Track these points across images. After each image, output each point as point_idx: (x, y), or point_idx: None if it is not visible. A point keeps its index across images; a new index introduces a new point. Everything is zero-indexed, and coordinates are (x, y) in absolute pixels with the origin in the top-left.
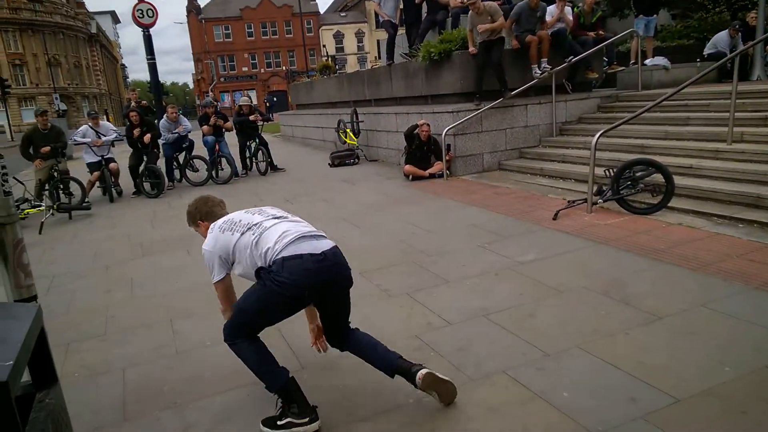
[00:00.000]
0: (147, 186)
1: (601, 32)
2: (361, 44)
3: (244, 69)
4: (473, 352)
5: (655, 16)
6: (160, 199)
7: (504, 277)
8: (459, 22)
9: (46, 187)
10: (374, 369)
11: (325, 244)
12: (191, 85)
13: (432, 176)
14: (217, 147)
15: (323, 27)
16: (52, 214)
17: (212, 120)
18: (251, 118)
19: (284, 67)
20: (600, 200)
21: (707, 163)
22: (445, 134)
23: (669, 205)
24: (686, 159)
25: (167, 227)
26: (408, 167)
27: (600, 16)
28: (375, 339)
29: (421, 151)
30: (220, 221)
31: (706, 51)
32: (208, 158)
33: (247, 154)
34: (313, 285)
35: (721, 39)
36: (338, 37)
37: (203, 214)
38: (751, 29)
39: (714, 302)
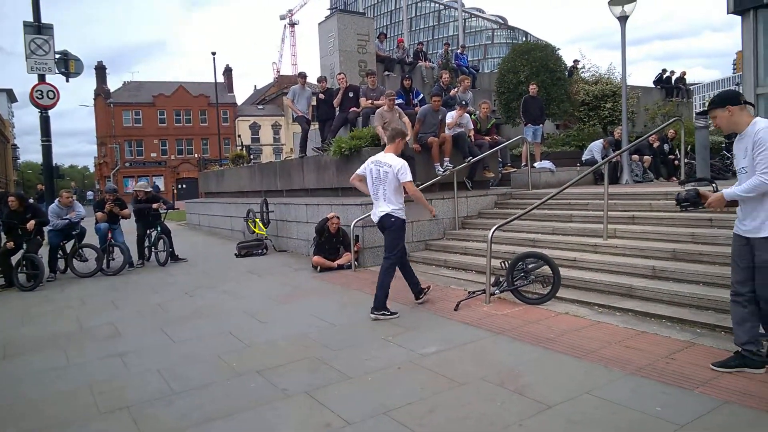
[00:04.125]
0: (23, 277)
1: (495, 137)
2: (277, 136)
3: (153, 155)
4: None
5: (541, 125)
6: (37, 291)
7: (406, 371)
8: (369, 120)
9: None
10: None
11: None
12: (92, 169)
13: (341, 267)
14: (110, 235)
15: (240, 118)
16: None
17: (107, 207)
18: (154, 206)
19: (197, 155)
20: (497, 291)
21: (588, 256)
22: (354, 225)
23: (557, 295)
24: (571, 252)
25: (41, 324)
26: (316, 258)
27: (494, 123)
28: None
29: (330, 243)
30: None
31: (584, 157)
32: (99, 247)
33: (146, 243)
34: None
35: (595, 147)
36: (254, 128)
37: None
38: (618, 141)
39: (597, 389)
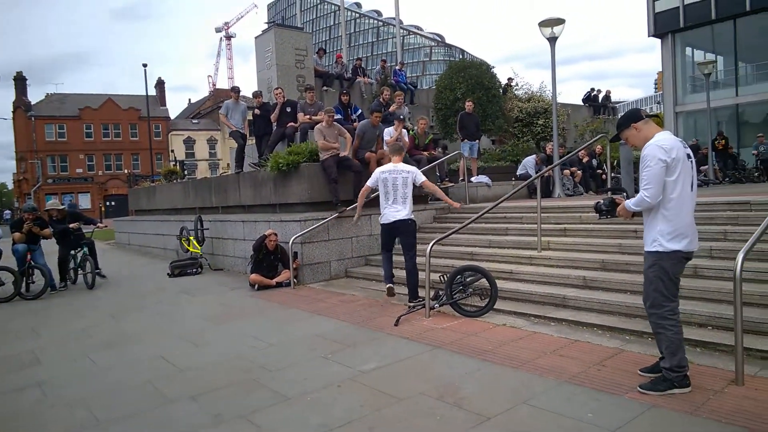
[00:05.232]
0: None
1: (433, 152)
2: (213, 151)
3: (79, 171)
4: None
5: (477, 141)
6: None
7: (346, 389)
8: (307, 136)
9: None
10: None
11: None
12: (11, 186)
13: (279, 285)
14: (29, 257)
15: (173, 132)
16: None
17: (26, 227)
18: (72, 226)
19: (126, 171)
20: (436, 305)
21: (523, 268)
22: (293, 242)
23: (495, 307)
24: (507, 265)
25: None
26: (254, 276)
27: (432, 138)
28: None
29: (268, 260)
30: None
31: (518, 172)
32: (17, 269)
33: (71, 265)
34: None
35: (529, 162)
36: (189, 143)
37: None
38: (550, 157)
39: (533, 398)
